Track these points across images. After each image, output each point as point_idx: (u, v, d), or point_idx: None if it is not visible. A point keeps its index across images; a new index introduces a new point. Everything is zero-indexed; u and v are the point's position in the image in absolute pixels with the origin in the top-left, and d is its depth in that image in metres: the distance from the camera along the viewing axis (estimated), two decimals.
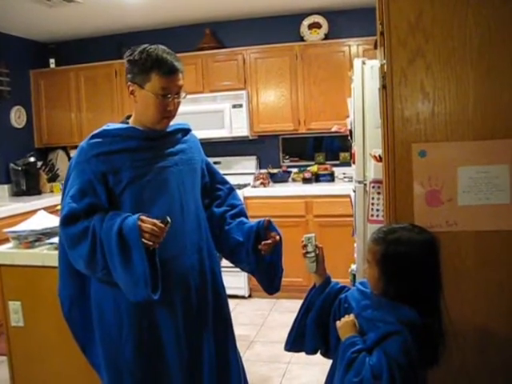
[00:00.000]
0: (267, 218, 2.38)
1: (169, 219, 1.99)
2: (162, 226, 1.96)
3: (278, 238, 2.37)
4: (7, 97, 5.98)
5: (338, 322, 1.83)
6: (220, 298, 2.45)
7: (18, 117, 6.19)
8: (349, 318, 1.81)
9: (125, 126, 2.22)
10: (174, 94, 2.13)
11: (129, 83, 2.16)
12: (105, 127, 2.19)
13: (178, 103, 2.18)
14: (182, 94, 2.18)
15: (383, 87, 2.08)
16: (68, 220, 2.03)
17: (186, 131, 2.40)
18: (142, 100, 2.13)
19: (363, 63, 3.15)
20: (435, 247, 1.75)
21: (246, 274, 5.45)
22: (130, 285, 1.99)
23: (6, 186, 5.92)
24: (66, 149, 6.59)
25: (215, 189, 2.51)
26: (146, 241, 1.94)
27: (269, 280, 2.53)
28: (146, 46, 2.15)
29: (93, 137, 2.15)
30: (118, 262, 1.96)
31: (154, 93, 2.09)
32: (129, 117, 2.29)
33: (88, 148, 2.12)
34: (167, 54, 2.12)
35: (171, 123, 2.27)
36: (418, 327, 1.65)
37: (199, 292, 2.28)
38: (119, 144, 2.12)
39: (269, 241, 2.32)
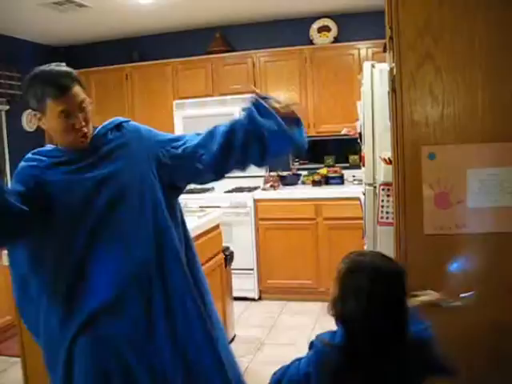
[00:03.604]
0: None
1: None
2: None
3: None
4: (19, 101, 6.03)
5: None
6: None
7: (29, 120, 6.25)
8: None
9: (50, 148, 2.11)
10: (77, 111, 1.95)
11: (33, 112, 2.02)
12: (36, 150, 2.11)
13: (86, 118, 1.99)
14: (87, 107, 1.99)
15: (392, 90, 2.10)
16: None
17: (116, 127, 2.17)
18: (50, 127, 1.98)
19: (372, 66, 3.17)
20: (399, 280, 1.67)
21: (256, 276, 5.48)
22: None
23: None
24: None
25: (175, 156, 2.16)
26: None
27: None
28: (33, 72, 2.02)
29: (26, 159, 2.08)
30: None
31: (54, 118, 1.94)
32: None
33: (23, 163, 2.06)
34: (53, 76, 1.96)
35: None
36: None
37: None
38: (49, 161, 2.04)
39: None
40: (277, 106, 2.06)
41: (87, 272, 1.96)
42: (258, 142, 2.02)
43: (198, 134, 2.16)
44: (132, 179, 2.05)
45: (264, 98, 2.08)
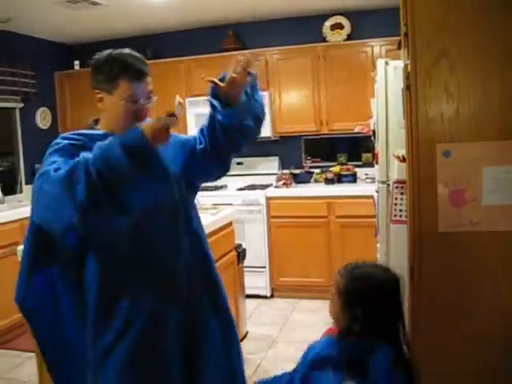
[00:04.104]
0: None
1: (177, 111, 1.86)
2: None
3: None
4: (33, 98, 6.08)
5: None
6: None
7: (43, 118, 6.29)
8: None
9: (101, 132, 2.02)
10: (145, 100, 1.98)
11: (96, 90, 1.98)
12: (76, 131, 2.03)
13: (148, 109, 2.01)
14: (153, 99, 2.03)
15: (407, 88, 2.09)
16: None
17: None
18: (111, 108, 1.97)
19: (386, 64, 3.16)
20: (396, 286, 1.79)
21: (268, 274, 5.49)
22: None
23: (31, 186, 5.98)
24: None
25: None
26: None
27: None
28: (110, 51, 2.02)
29: (63, 137, 2.00)
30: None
31: (123, 100, 1.93)
32: (96, 121, 2.10)
33: (61, 140, 1.99)
34: (133, 59, 1.99)
35: None
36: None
37: None
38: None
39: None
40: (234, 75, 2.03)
41: None
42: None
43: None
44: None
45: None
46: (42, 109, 6.26)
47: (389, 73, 3.13)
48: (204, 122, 2.14)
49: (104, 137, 1.87)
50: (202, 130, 2.13)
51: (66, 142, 1.96)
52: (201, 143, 2.11)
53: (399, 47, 2.55)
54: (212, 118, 2.07)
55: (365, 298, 1.75)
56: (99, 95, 1.97)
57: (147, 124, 1.79)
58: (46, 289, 2.01)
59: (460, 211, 2.04)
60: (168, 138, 1.80)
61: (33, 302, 2.02)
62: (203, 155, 2.10)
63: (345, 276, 1.83)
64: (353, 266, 1.86)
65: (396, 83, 2.94)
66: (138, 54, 2.03)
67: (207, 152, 2.09)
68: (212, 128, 2.06)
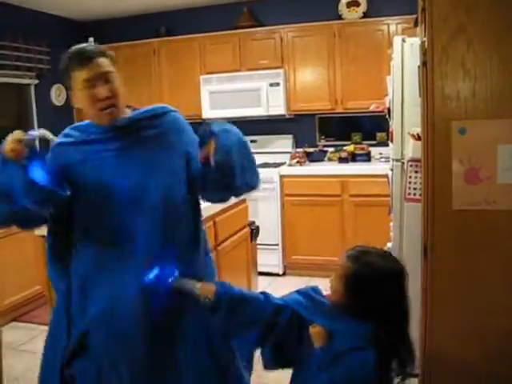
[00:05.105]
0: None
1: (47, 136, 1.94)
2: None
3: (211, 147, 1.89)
4: (48, 75, 6.09)
5: (311, 329, 1.84)
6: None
7: (58, 95, 6.30)
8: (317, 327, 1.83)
9: (86, 123, 2.10)
10: (101, 81, 1.91)
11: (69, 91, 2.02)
12: (77, 124, 2.13)
13: (113, 90, 1.94)
14: (114, 78, 1.95)
15: (423, 64, 2.08)
16: None
17: (155, 116, 2.08)
18: (78, 102, 1.98)
19: (403, 41, 3.13)
20: (403, 278, 1.78)
21: (280, 251, 5.51)
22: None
23: None
24: None
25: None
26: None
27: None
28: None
29: (63, 133, 2.11)
30: None
31: (79, 89, 1.93)
32: None
33: (59, 139, 2.08)
34: (79, 49, 1.96)
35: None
36: (383, 343, 1.69)
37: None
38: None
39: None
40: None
41: None
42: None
43: None
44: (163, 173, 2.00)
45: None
46: (56, 85, 6.27)
47: (405, 50, 3.10)
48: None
49: (87, 126, 2.04)
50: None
51: (58, 141, 2.06)
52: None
53: (416, 24, 2.53)
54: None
55: (369, 286, 1.76)
56: (70, 93, 2.01)
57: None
58: None
59: (475, 189, 2.04)
60: (21, 153, 1.83)
61: None
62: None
63: (353, 260, 1.83)
64: (362, 250, 1.86)
65: (412, 61, 2.92)
66: (86, 43, 2.01)
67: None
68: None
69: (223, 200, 2.24)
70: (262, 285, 4.94)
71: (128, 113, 2.05)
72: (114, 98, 1.94)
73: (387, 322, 1.73)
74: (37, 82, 6.02)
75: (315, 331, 1.79)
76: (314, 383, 1.73)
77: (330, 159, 5.95)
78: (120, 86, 1.97)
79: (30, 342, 4.10)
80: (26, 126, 6.01)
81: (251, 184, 2.09)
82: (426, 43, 2.03)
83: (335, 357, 1.71)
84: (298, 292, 1.97)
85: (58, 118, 6.11)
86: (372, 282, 1.75)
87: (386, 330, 1.71)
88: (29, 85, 6.00)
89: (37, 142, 2.00)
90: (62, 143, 2.05)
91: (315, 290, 1.96)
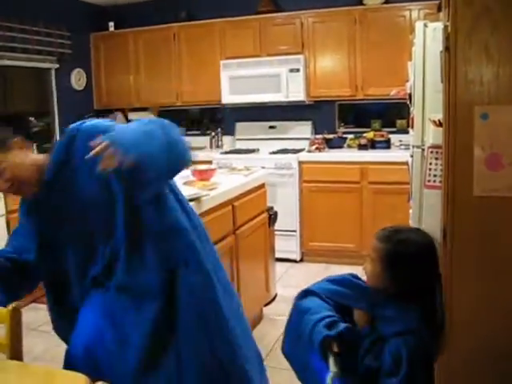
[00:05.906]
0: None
1: None
2: None
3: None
4: (68, 59, 6.13)
5: (355, 314, 1.84)
6: None
7: (78, 79, 6.35)
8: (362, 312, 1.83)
9: None
10: None
11: None
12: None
13: (8, 179, 1.84)
14: (6, 169, 1.83)
15: (446, 49, 2.05)
16: None
17: (67, 146, 1.97)
18: None
19: (425, 26, 3.09)
20: (435, 249, 1.83)
21: (298, 238, 5.52)
22: None
23: None
24: (123, 111, 6.73)
25: None
26: None
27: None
28: None
29: None
30: None
31: None
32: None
33: None
34: None
35: None
36: (423, 329, 1.74)
37: None
38: None
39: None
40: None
41: None
42: None
43: None
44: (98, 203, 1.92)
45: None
46: (76, 70, 6.31)
47: (427, 35, 3.06)
48: None
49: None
50: None
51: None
52: None
53: (439, 9, 2.50)
54: None
55: (407, 261, 1.76)
56: None
57: None
58: None
59: (496, 175, 2.02)
60: None
61: None
62: None
63: (385, 240, 1.82)
64: (392, 229, 1.86)
65: (434, 46, 2.88)
66: None
67: None
68: None
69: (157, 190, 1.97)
70: (280, 270, 4.96)
71: (44, 158, 1.97)
72: (14, 185, 1.87)
73: (426, 295, 1.74)
74: (57, 66, 6.07)
75: (359, 316, 1.81)
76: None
77: (349, 146, 5.93)
78: (15, 166, 1.85)
79: (49, 323, 4.09)
80: (47, 110, 6.05)
81: (177, 168, 1.89)
82: (449, 28, 2.00)
83: (379, 341, 1.72)
84: (333, 281, 1.97)
85: (78, 102, 6.16)
86: (409, 257, 1.75)
87: (429, 309, 1.73)
88: (49, 69, 6.04)
89: None
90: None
91: (354, 275, 1.96)
